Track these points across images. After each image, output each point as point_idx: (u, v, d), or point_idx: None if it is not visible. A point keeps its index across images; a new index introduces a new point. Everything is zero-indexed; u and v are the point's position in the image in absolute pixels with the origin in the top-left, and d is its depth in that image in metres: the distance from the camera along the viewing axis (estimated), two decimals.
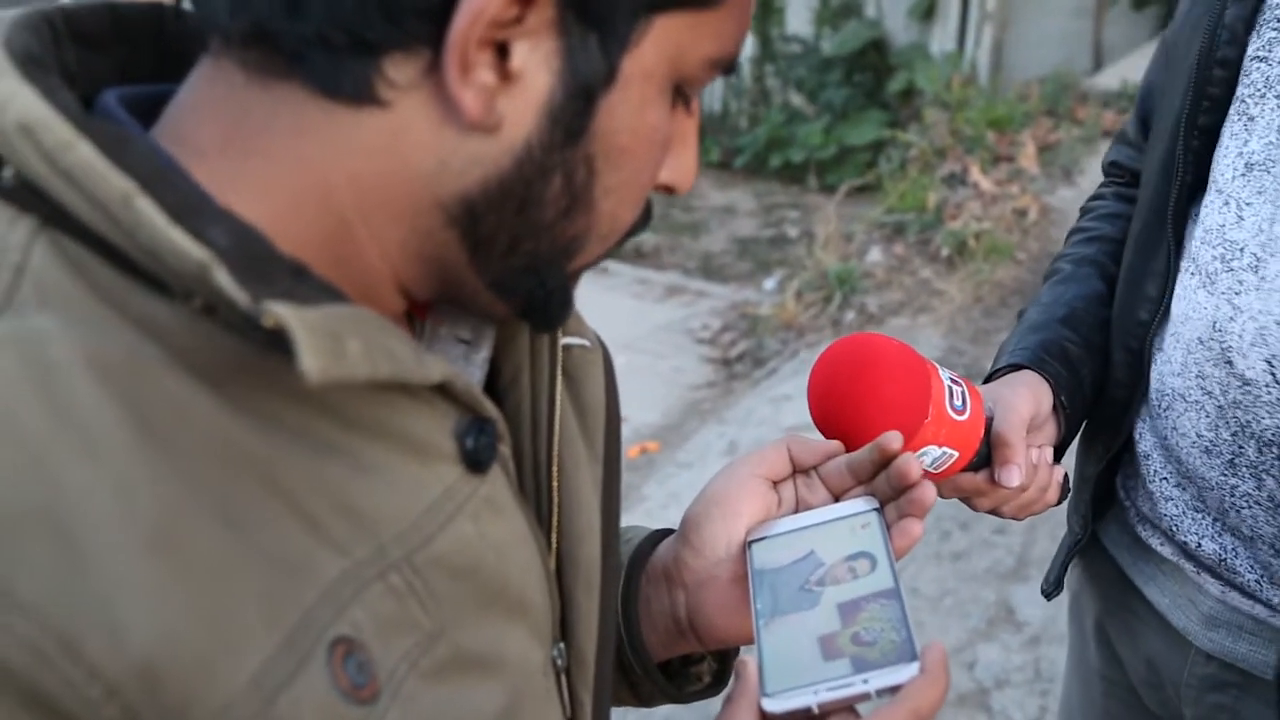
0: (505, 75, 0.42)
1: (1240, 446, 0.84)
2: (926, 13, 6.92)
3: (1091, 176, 4.91)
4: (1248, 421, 0.83)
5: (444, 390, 0.47)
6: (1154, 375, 0.93)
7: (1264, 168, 0.82)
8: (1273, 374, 0.81)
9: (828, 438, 0.73)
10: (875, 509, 0.63)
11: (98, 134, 0.39)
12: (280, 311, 0.36)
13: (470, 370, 0.54)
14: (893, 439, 0.64)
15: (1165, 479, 0.93)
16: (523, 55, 0.41)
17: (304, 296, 0.39)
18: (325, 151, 0.42)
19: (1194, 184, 0.89)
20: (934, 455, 0.77)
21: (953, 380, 0.79)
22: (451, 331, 0.54)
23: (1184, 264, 0.90)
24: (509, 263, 0.47)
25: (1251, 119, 0.83)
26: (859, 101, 6.95)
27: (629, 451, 3.50)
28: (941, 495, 0.88)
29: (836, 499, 0.67)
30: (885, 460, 0.65)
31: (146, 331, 0.39)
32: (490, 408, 0.49)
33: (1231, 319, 0.83)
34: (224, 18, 0.41)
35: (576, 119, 0.44)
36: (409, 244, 0.45)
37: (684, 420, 3.81)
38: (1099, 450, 1.00)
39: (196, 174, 0.42)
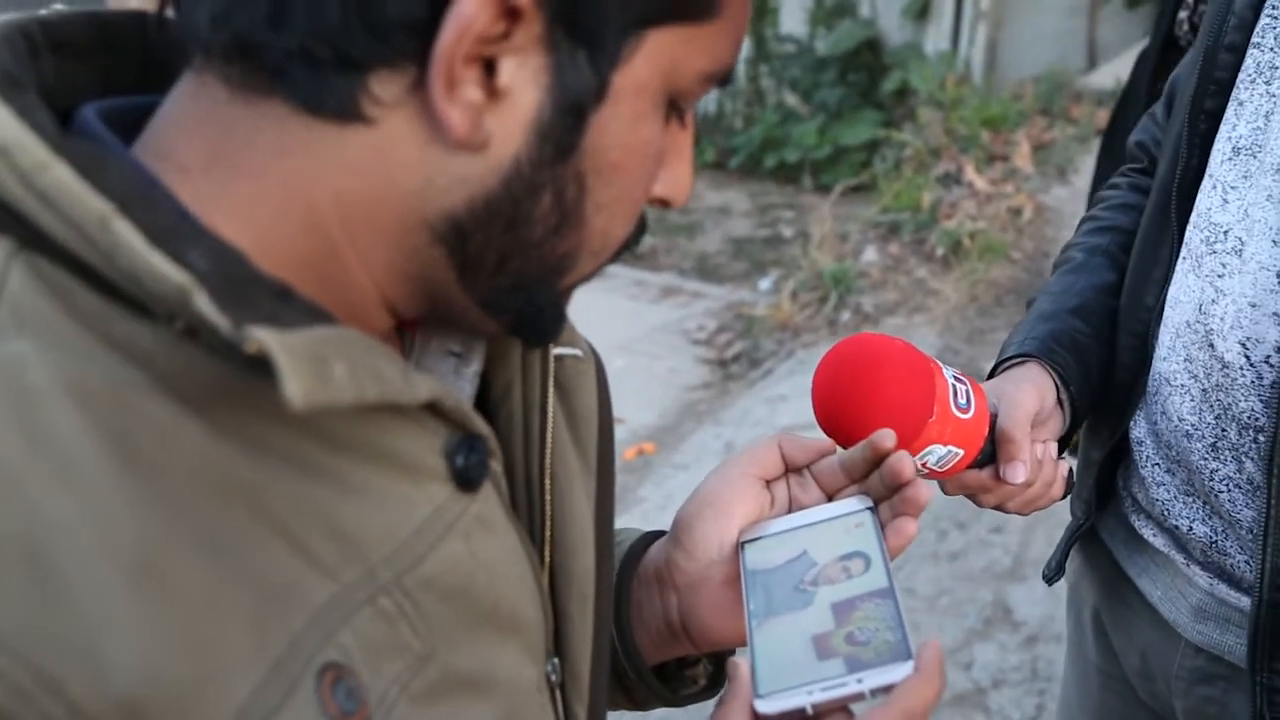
0: (493, 92, 0.41)
1: (1223, 429, 0.85)
2: (921, 12, 6.92)
3: (1086, 175, 4.91)
4: (1229, 404, 0.84)
5: (433, 408, 0.46)
6: (1151, 361, 0.93)
7: (1250, 152, 0.83)
8: (1247, 356, 0.81)
9: (832, 438, 0.73)
10: (869, 508, 0.63)
11: (75, 154, 0.38)
12: (262, 337, 0.36)
13: (461, 384, 0.54)
14: (885, 437, 0.64)
15: (1156, 464, 0.94)
16: (510, 72, 0.41)
17: (287, 320, 0.38)
18: (309, 169, 0.41)
19: (1199, 169, 0.89)
20: (939, 454, 0.77)
21: (956, 378, 0.78)
22: (442, 345, 0.54)
23: (1181, 249, 0.91)
24: (498, 281, 0.46)
25: (1241, 104, 0.84)
26: (853, 101, 6.95)
27: (625, 453, 3.49)
28: (946, 492, 0.88)
29: (830, 498, 0.67)
30: (878, 458, 0.64)
31: (127, 355, 0.38)
32: (480, 424, 0.49)
33: (1214, 301, 0.84)
34: (206, 31, 0.40)
35: (566, 136, 0.43)
36: (396, 263, 0.44)
37: (680, 421, 3.81)
38: (1104, 435, 1.00)
39: (180, 192, 0.41)
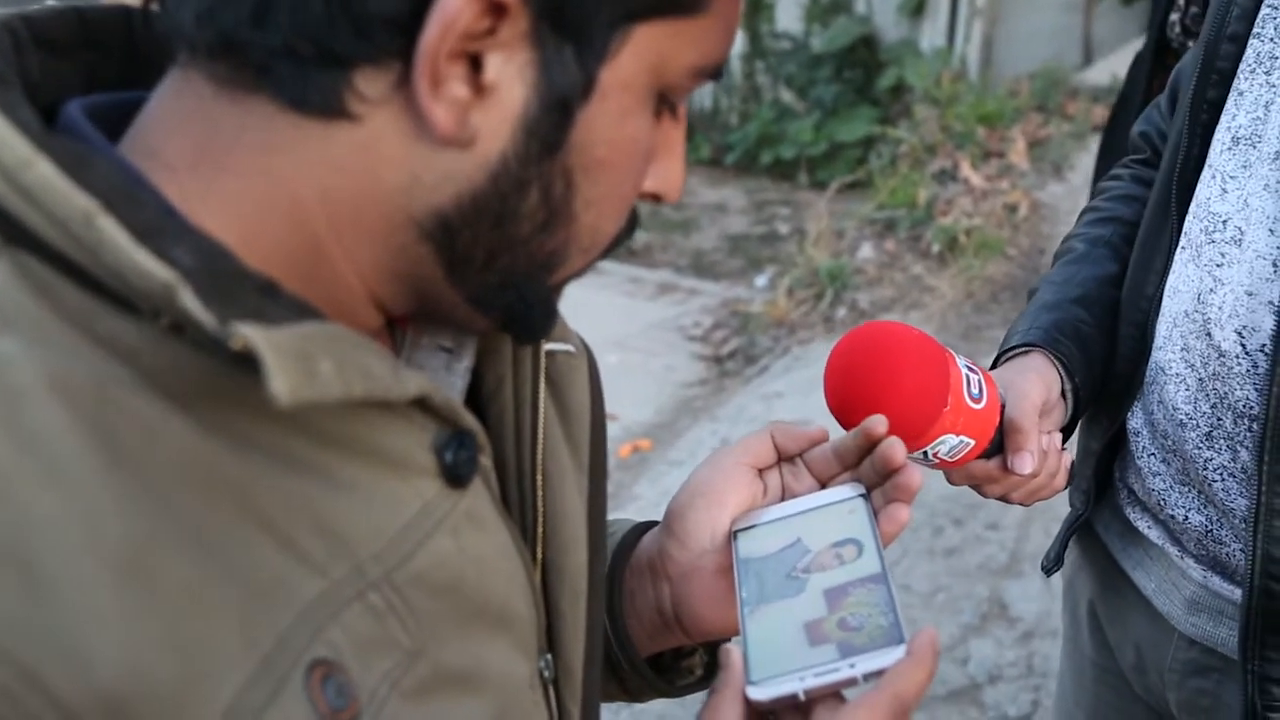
0: (479, 88, 0.41)
1: (1218, 418, 0.85)
2: (916, 9, 6.92)
3: (1082, 172, 4.92)
4: (1225, 393, 0.84)
5: (422, 404, 0.46)
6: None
7: (1249, 142, 0.83)
8: (1243, 345, 0.82)
9: (845, 427, 0.73)
10: (862, 494, 0.63)
11: (58, 151, 0.38)
12: (248, 333, 0.36)
13: (452, 380, 0.53)
14: (877, 423, 0.64)
15: (1152, 454, 0.94)
16: (496, 68, 0.41)
17: (273, 316, 0.38)
18: (295, 167, 0.41)
19: (1200, 158, 0.90)
20: (951, 444, 0.77)
21: (969, 368, 0.78)
22: (433, 340, 0.53)
23: (1180, 238, 0.91)
24: (487, 278, 0.46)
25: (1241, 94, 0.85)
26: (849, 98, 6.95)
27: (621, 450, 3.49)
28: (952, 482, 0.88)
29: (823, 486, 0.67)
30: (871, 445, 0.64)
31: (113, 352, 0.38)
32: (470, 420, 0.49)
33: (1213, 291, 0.84)
34: (191, 28, 0.40)
35: (553, 132, 0.43)
36: (383, 260, 0.44)
37: (676, 418, 3.81)
38: (1103, 425, 1.00)
39: (167, 190, 0.41)
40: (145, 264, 0.36)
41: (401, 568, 0.44)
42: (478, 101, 0.41)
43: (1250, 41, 0.85)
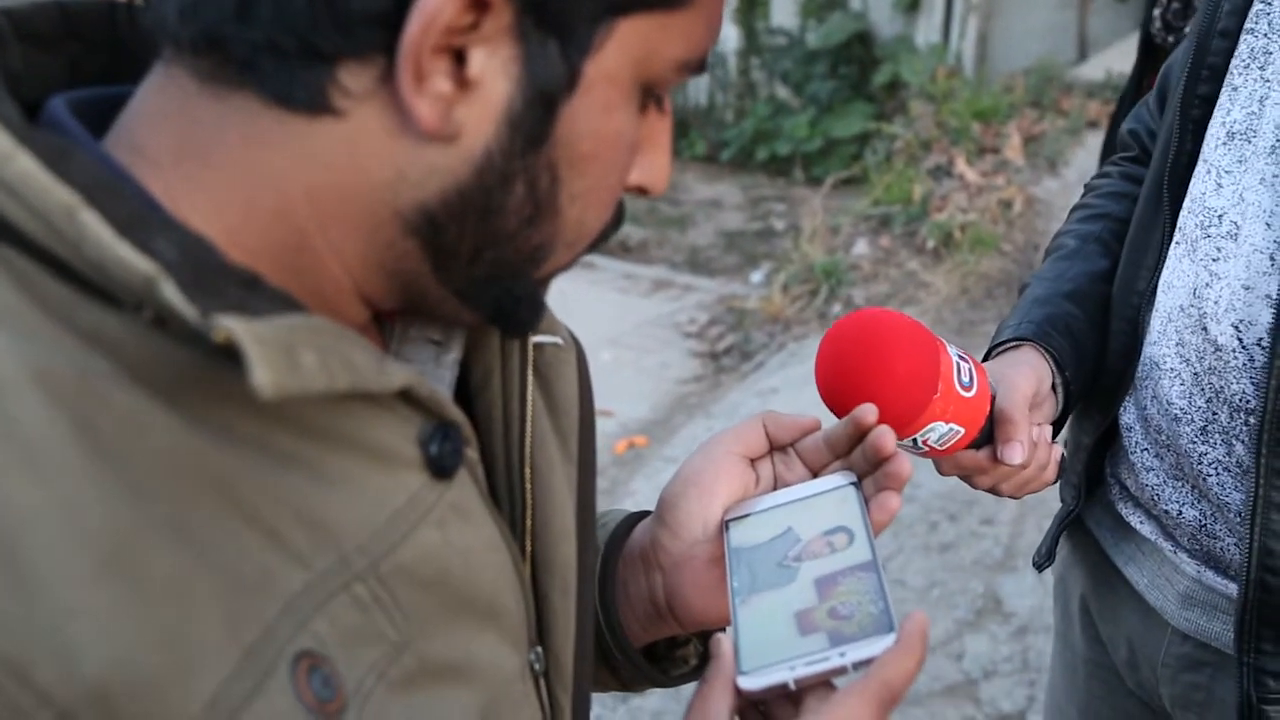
0: (463, 83, 0.41)
1: (1214, 413, 0.85)
2: (911, 5, 6.93)
3: (1077, 168, 4.93)
4: (1220, 387, 0.84)
5: (407, 396, 0.46)
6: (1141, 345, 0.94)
7: (1244, 137, 0.83)
8: (1240, 339, 0.82)
9: (836, 414, 0.73)
10: (853, 483, 0.63)
11: (39, 145, 0.38)
12: (230, 325, 0.35)
13: (440, 372, 0.53)
14: (868, 412, 0.64)
15: (1145, 449, 0.94)
16: (480, 62, 0.41)
17: (256, 308, 0.38)
18: (280, 162, 0.41)
19: (1192, 154, 0.90)
20: (941, 431, 0.77)
21: (960, 356, 0.78)
22: (421, 333, 0.53)
23: (1174, 234, 0.91)
24: (473, 272, 0.46)
25: (1236, 89, 0.85)
26: (844, 94, 6.95)
27: (616, 447, 3.49)
28: (942, 472, 0.88)
29: (815, 475, 0.67)
30: (861, 434, 0.64)
31: (96, 346, 0.38)
32: (455, 412, 0.49)
33: (1208, 285, 0.84)
34: (174, 24, 0.40)
35: (537, 126, 0.43)
36: (369, 256, 0.44)
37: (671, 415, 3.81)
38: (1095, 420, 1.00)
39: (152, 185, 0.41)
40: (127, 257, 0.36)
41: (387, 559, 0.44)
42: (462, 96, 0.41)
43: (1243, 37, 0.85)
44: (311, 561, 0.41)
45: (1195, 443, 0.87)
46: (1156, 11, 1.68)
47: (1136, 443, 0.95)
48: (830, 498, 0.62)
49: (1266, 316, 0.80)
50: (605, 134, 0.45)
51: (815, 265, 4.49)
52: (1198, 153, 0.89)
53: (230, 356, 0.36)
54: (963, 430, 0.78)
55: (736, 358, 4.25)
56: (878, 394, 0.72)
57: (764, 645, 0.54)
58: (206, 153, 0.41)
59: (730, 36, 7.58)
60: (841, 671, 0.52)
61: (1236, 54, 0.85)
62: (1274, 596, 0.83)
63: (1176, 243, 0.89)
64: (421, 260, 0.45)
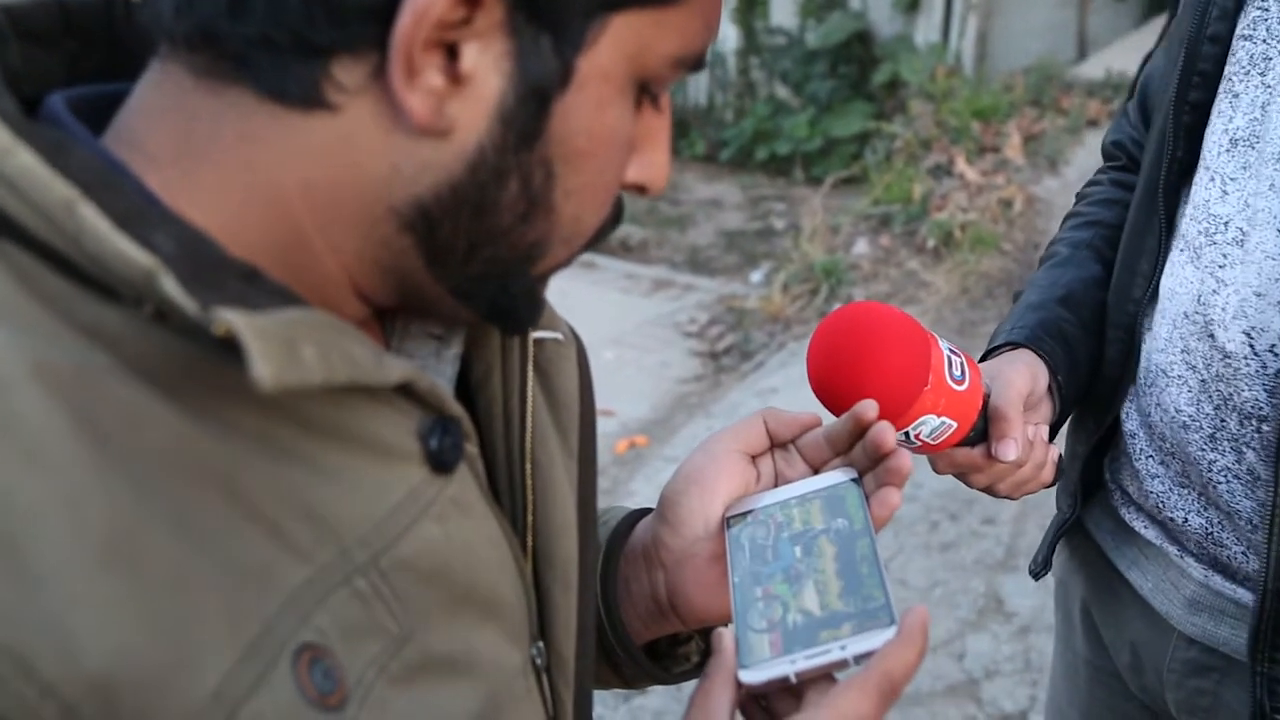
0: (455, 78, 0.41)
1: (1222, 420, 0.85)
2: (911, 4, 6.93)
3: (1077, 166, 4.93)
4: (1229, 395, 0.84)
5: (407, 390, 0.46)
6: (1143, 353, 0.94)
7: (1248, 143, 0.83)
8: (1251, 345, 0.81)
9: (827, 406, 0.73)
10: (854, 479, 0.63)
11: (37, 140, 0.38)
12: (230, 318, 0.36)
13: (440, 366, 0.53)
14: (868, 408, 0.64)
15: (1150, 456, 0.94)
16: (472, 57, 0.41)
17: (256, 301, 0.38)
18: (275, 157, 0.42)
19: (1185, 160, 0.90)
20: (932, 425, 0.77)
21: (952, 351, 0.78)
22: (423, 327, 0.54)
23: (1173, 241, 0.91)
24: (468, 269, 0.46)
25: (1237, 96, 0.84)
26: (844, 93, 6.95)
27: (617, 446, 3.49)
28: (937, 470, 0.87)
29: (815, 472, 0.67)
30: (861, 430, 0.64)
31: (96, 340, 0.38)
32: (454, 407, 0.49)
33: (1215, 292, 0.84)
34: (170, 20, 0.41)
35: (530, 122, 0.43)
36: (365, 252, 0.44)
37: (672, 414, 3.81)
38: (1090, 427, 1.00)
39: (150, 181, 0.41)
40: (126, 250, 0.36)
41: (388, 553, 0.44)
42: (454, 91, 0.41)
43: (1241, 43, 0.84)
44: (313, 555, 0.41)
45: (1204, 450, 0.86)
46: None
47: (1141, 449, 0.95)
48: (831, 494, 0.63)
49: (1279, 323, 0.80)
50: (600, 130, 0.45)
51: (815, 265, 4.49)
52: (1190, 159, 0.89)
53: (230, 350, 0.36)
54: (955, 424, 0.78)
55: (737, 357, 4.25)
56: (868, 385, 0.72)
57: (765, 640, 0.54)
58: (203, 148, 0.42)
59: (729, 36, 7.58)
60: (843, 665, 0.52)
61: (1234, 60, 0.85)
62: None
63: (1180, 249, 0.89)
64: (417, 257, 0.45)
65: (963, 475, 0.88)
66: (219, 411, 0.40)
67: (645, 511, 0.71)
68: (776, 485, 0.67)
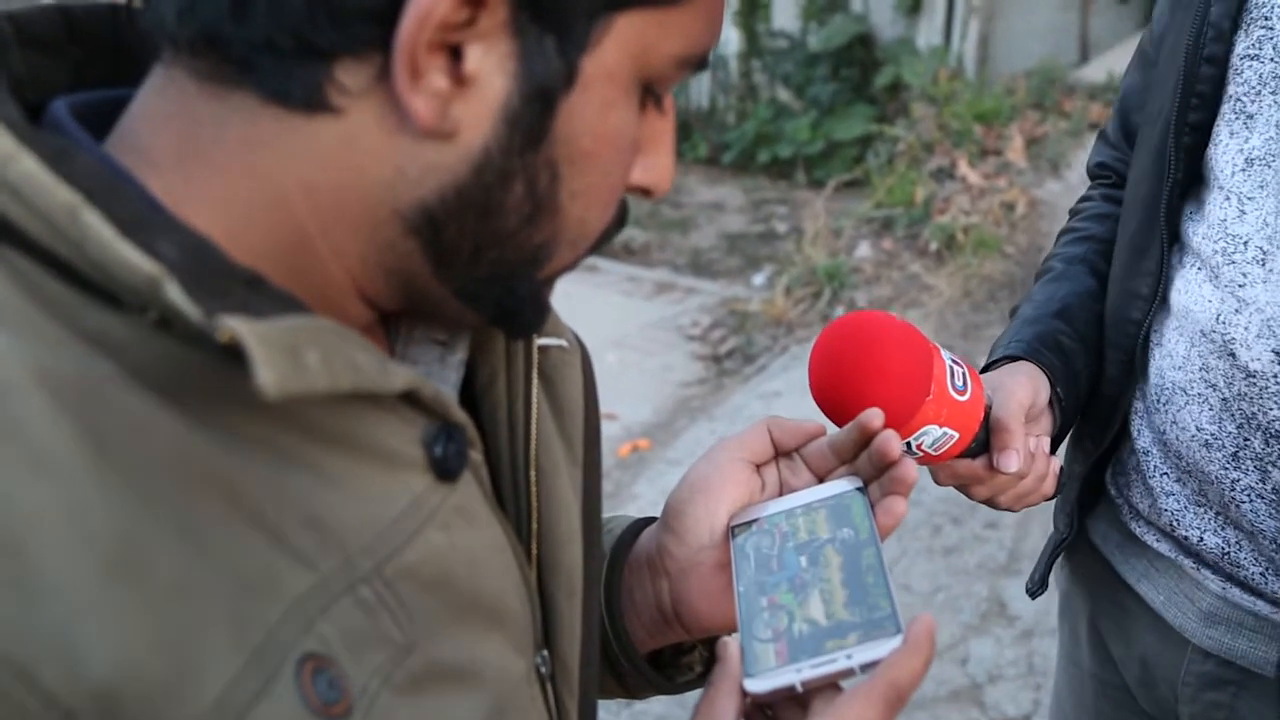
0: (459, 80, 0.41)
1: (1246, 439, 0.84)
2: (913, 7, 6.93)
3: (1079, 170, 4.92)
4: (1253, 414, 0.83)
5: (411, 398, 0.46)
6: (1153, 370, 0.93)
7: (1265, 162, 0.83)
8: None
9: (827, 415, 0.72)
10: (859, 488, 0.63)
11: (41, 146, 0.38)
12: (234, 325, 0.35)
13: (445, 372, 0.53)
14: (873, 417, 0.63)
15: (1165, 474, 0.93)
16: (477, 59, 0.40)
17: (260, 308, 0.38)
18: (279, 161, 0.41)
19: (1185, 181, 0.89)
20: (934, 435, 0.77)
21: (954, 361, 0.78)
22: (426, 333, 0.53)
23: (1186, 259, 0.90)
24: (474, 272, 0.46)
25: (1251, 116, 0.84)
26: (846, 96, 6.95)
27: (620, 450, 3.49)
28: (939, 482, 0.87)
29: (820, 480, 0.66)
30: (867, 439, 0.64)
31: (100, 347, 0.38)
32: (459, 414, 0.48)
33: (1237, 311, 0.84)
34: (172, 25, 0.40)
35: (535, 123, 0.42)
36: (370, 255, 0.44)
37: (674, 418, 3.81)
38: (1087, 447, 1.00)
39: (153, 186, 0.41)
40: (130, 257, 0.36)
41: (391, 562, 0.44)
42: (459, 93, 0.41)
43: (1246, 63, 0.84)
44: (316, 563, 0.41)
45: (1226, 469, 0.86)
46: None
47: (1155, 466, 0.94)
48: (836, 503, 0.62)
49: None
50: (604, 131, 0.45)
51: (818, 268, 4.49)
52: (1190, 181, 0.89)
53: (234, 357, 0.36)
54: (957, 435, 0.78)
55: (739, 360, 4.25)
56: (870, 395, 0.72)
57: (770, 649, 0.54)
58: (206, 153, 0.41)
59: (731, 39, 7.58)
60: (849, 674, 0.51)
61: (1240, 80, 0.84)
62: None
63: (1196, 268, 0.89)
64: (422, 260, 0.45)
65: (964, 487, 0.88)
66: (223, 418, 0.40)
67: (649, 520, 0.70)
68: (781, 494, 0.67)
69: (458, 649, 0.47)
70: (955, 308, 4.18)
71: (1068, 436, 1.03)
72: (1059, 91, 5.64)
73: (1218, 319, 0.85)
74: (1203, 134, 0.88)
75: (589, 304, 4.58)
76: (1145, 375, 0.94)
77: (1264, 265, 0.82)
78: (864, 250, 4.68)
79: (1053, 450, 0.94)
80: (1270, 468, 0.83)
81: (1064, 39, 6.62)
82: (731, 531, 0.64)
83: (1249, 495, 0.85)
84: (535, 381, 0.56)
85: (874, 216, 4.89)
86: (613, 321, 4.54)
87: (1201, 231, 0.88)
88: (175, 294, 0.36)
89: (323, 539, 0.41)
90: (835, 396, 0.75)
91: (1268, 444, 0.83)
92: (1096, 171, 1.14)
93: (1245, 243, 0.84)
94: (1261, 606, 0.87)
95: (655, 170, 0.50)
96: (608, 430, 3.55)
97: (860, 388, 0.73)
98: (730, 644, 0.54)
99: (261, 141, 0.41)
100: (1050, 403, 0.92)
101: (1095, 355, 0.98)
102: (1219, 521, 0.89)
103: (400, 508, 0.45)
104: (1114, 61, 5.84)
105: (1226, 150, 0.86)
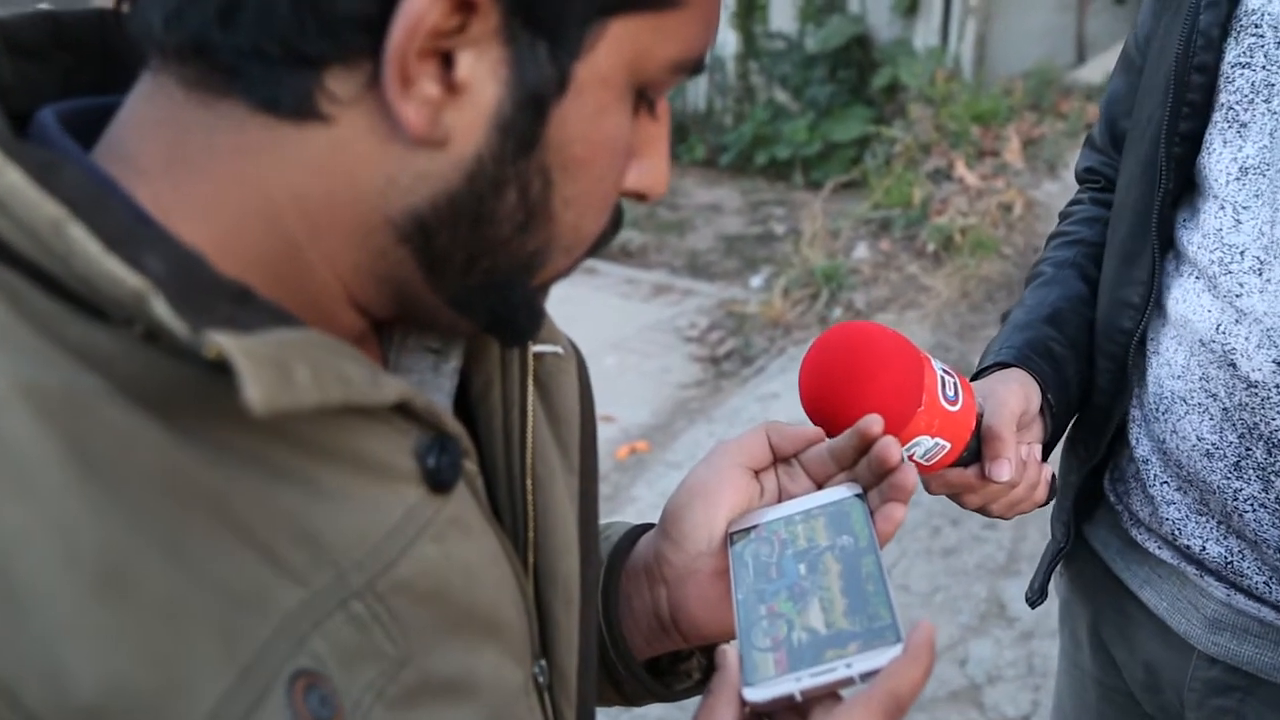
0: (451, 87, 0.40)
1: (1247, 449, 0.84)
2: (910, 8, 6.93)
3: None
4: (1255, 424, 0.83)
5: (404, 408, 0.45)
6: (1151, 379, 0.93)
7: (1259, 171, 0.82)
8: None
9: (819, 426, 0.72)
10: (858, 495, 0.63)
11: (26, 159, 0.37)
12: (222, 341, 0.35)
13: (439, 381, 0.53)
14: (873, 423, 0.63)
15: (1166, 483, 0.93)
16: (468, 65, 0.40)
17: (247, 323, 0.37)
18: (268, 169, 0.41)
19: (1177, 190, 0.89)
20: (926, 446, 0.76)
21: (945, 371, 0.78)
22: (420, 342, 0.53)
23: (1183, 268, 0.90)
24: (467, 280, 0.45)
25: (1244, 125, 0.83)
26: (843, 98, 6.95)
27: (618, 452, 3.49)
28: (930, 491, 0.87)
29: (819, 486, 0.66)
30: (866, 445, 0.64)
31: (86, 361, 0.37)
32: (452, 424, 0.48)
33: (1236, 321, 0.83)
34: (160, 32, 0.40)
35: (528, 129, 0.42)
36: (362, 263, 0.44)
37: (673, 420, 3.80)
38: (1082, 456, 1.00)
39: (140, 196, 0.41)
40: (116, 272, 0.36)
41: (385, 576, 0.43)
42: (450, 100, 0.40)
43: (1238, 71, 0.83)
44: (308, 579, 0.40)
45: (1229, 478, 0.85)
46: None
47: (1155, 475, 0.94)
48: (835, 510, 0.62)
49: None
50: (598, 137, 0.44)
51: (815, 269, 4.49)
52: (1181, 189, 0.89)
53: (222, 371, 0.35)
54: (949, 445, 0.78)
55: (737, 362, 4.24)
56: (862, 406, 0.72)
57: (769, 657, 0.53)
58: (195, 161, 0.41)
59: (728, 41, 7.58)
60: (848, 683, 0.51)
61: (1232, 89, 0.84)
62: None
63: (1194, 277, 0.88)
64: (414, 268, 0.44)
65: (956, 496, 0.88)
66: (211, 433, 0.39)
67: (647, 526, 0.70)
68: (780, 500, 0.66)
69: (453, 661, 0.46)
70: (953, 308, 4.18)
71: (1061, 444, 1.02)
72: (1056, 93, 5.64)
73: (1217, 329, 0.85)
74: (1194, 143, 0.87)
75: (587, 306, 4.58)
76: (1143, 384, 0.94)
77: (1261, 275, 0.82)
78: (861, 251, 4.68)
79: (1045, 457, 0.94)
80: (1273, 477, 0.82)
81: (1061, 40, 6.62)
82: (730, 538, 0.63)
83: (1252, 505, 0.84)
84: (531, 389, 0.55)
85: (871, 218, 4.88)
86: (611, 324, 4.54)
87: (1197, 240, 0.88)
88: (161, 309, 0.35)
89: (314, 554, 0.41)
90: (827, 408, 0.75)
91: (1270, 454, 0.82)
92: (1085, 176, 1.13)
93: (1242, 252, 0.83)
94: (1267, 613, 0.87)
95: (650, 174, 0.50)
96: (606, 432, 3.54)
97: (852, 399, 0.73)
98: (729, 652, 0.53)
99: (251, 149, 0.40)
100: (1041, 410, 0.92)
101: (1086, 361, 0.98)
102: (1221, 531, 0.89)
103: (393, 521, 0.44)
104: (1110, 63, 5.81)
105: (1220, 159, 0.85)
